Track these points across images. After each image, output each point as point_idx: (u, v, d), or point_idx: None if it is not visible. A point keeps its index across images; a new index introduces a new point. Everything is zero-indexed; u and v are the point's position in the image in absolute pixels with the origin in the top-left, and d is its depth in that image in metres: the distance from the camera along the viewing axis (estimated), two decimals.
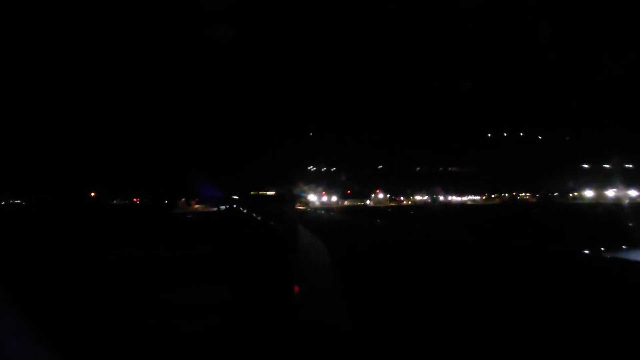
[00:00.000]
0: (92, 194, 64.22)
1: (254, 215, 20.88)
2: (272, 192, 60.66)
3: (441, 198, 76.18)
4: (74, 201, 53.23)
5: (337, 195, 61.59)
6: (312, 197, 57.27)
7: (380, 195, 69.37)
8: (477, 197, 79.57)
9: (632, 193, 68.32)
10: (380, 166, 73.13)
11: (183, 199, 55.82)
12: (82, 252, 13.73)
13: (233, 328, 4.50)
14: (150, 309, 6.35)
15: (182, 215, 43.43)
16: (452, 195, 77.71)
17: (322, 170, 69.03)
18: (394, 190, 72.34)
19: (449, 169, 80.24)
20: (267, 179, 64.52)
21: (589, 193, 71.40)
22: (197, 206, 54.25)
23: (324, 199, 60.43)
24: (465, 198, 79.11)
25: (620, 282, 2.55)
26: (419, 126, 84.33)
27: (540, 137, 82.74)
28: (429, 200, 73.53)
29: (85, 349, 4.52)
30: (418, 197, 75.00)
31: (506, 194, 79.90)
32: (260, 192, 62.81)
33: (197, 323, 5.27)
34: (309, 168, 66.74)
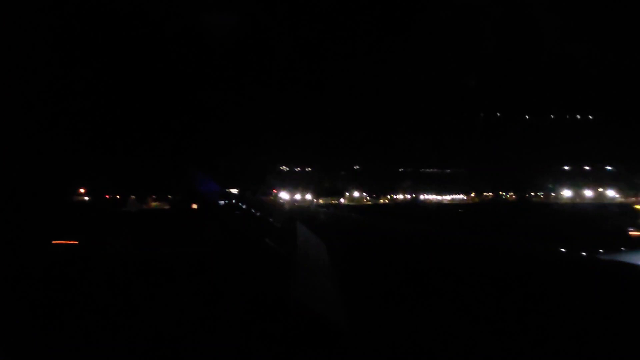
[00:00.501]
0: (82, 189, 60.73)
1: (253, 211, 20.20)
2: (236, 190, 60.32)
3: (423, 197, 76.43)
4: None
5: (311, 194, 61.52)
6: (283, 195, 57.10)
7: (356, 194, 69.34)
8: (459, 197, 79.33)
9: (610, 194, 68.84)
10: (357, 166, 73.35)
11: (132, 196, 53.06)
12: None
13: (230, 324, 4.56)
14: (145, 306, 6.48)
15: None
16: (434, 194, 77.96)
17: (297, 169, 69.44)
18: (373, 189, 72.30)
19: (432, 169, 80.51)
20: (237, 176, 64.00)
21: (567, 193, 71.53)
22: (153, 204, 53.20)
23: (297, 197, 60.55)
24: (448, 197, 79.03)
25: (622, 286, 2.54)
26: (401, 125, 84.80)
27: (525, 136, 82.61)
28: (409, 199, 73.68)
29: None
30: (400, 196, 75.24)
31: (489, 194, 79.73)
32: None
33: (193, 321, 5.32)
34: (281, 167, 66.90)
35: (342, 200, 66.52)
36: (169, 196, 55.72)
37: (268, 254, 6.52)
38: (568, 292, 2.41)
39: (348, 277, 3.41)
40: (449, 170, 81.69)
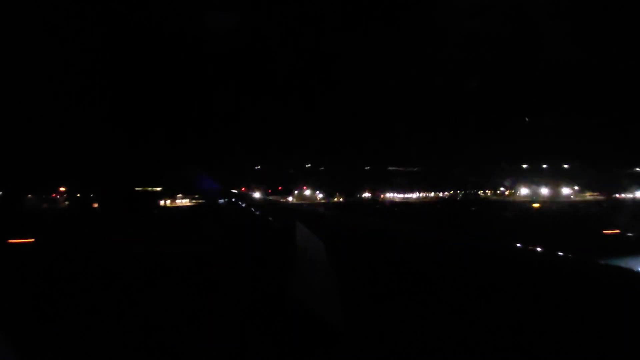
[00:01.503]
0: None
1: (253, 210, 20.78)
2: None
3: (382, 196, 76.08)
4: None
5: (260, 193, 60.45)
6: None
7: (307, 192, 67.99)
8: (416, 195, 78.93)
9: (565, 191, 69.45)
10: (309, 165, 72.61)
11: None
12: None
13: (227, 323, 4.53)
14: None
15: None
16: (391, 193, 77.91)
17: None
18: (327, 188, 71.52)
19: (390, 168, 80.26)
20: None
21: (524, 190, 71.47)
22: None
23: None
24: (405, 196, 78.95)
25: (622, 291, 2.34)
26: (364, 125, 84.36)
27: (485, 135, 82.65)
28: (364, 198, 73.67)
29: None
30: (364, 195, 75.38)
31: (447, 192, 79.74)
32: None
33: (190, 320, 5.45)
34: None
35: (289, 198, 64.98)
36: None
37: (267, 253, 6.54)
38: (568, 296, 2.27)
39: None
40: (413, 169, 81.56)
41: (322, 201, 67.94)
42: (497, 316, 2.15)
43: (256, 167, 68.04)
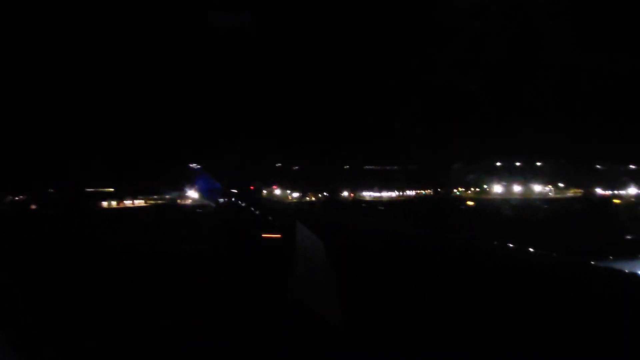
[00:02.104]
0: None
1: (253, 209, 19.79)
2: None
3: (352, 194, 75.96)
4: None
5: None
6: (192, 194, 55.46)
7: (278, 192, 67.97)
8: (394, 194, 79.06)
9: (537, 189, 69.73)
10: (279, 164, 72.50)
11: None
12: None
13: (226, 322, 4.57)
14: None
15: None
16: (369, 191, 77.98)
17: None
18: (300, 187, 71.54)
19: (368, 166, 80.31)
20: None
21: (498, 188, 71.59)
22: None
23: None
24: (384, 194, 79.10)
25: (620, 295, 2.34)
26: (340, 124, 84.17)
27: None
28: (343, 196, 73.24)
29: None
30: (344, 194, 75.24)
31: (424, 191, 79.92)
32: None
33: (189, 319, 5.53)
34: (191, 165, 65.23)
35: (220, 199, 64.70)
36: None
37: (266, 252, 6.49)
38: (569, 300, 2.27)
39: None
40: (389, 168, 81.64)
41: (294, 201, 67.85)
42: (498, 317, 2.14)
43: (192, 166, 67.42)
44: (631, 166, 68.56)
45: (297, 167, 76.61)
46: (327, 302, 2.59)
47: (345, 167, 79.89)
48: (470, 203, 54.87)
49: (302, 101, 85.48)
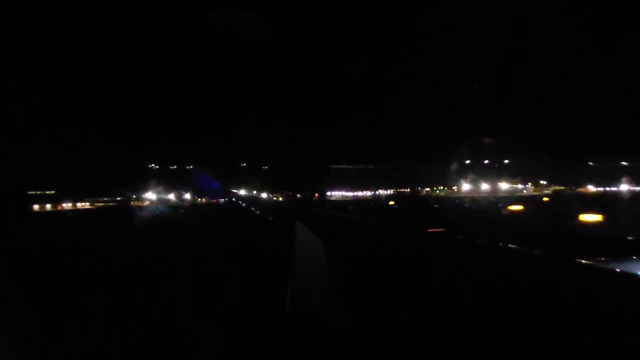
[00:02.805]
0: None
1: (253, 209, 21.29)
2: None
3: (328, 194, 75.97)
4: None
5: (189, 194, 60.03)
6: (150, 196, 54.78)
7: (242, 192, 67.46)
8: (364, 193, 79.46)
9: (504, 186, 70.51)
10: (244, 164, 72.17)
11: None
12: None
13: (227, 321, 4.60)
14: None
15: None
16: (336, 191, 78.09)
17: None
18: (267, 187, 70.90)
19: (337, 166, 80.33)
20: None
21: (466, 187, 72.15)
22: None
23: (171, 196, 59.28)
24: (350, 194, 79.24)
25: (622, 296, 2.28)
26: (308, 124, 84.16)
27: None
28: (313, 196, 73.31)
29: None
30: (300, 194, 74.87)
31: (393, 190, 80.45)
32: None
33: (190, 320, 5.52)
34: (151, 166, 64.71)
35: (221, 199, 64.22)
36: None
37: (267, 252, 6.43)
38: (565, 301, 2.20)
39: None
40: (358, 167, 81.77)
41: (212, 201, 67.32)
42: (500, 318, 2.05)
43: (187, 167, 67.46)
44: (623, 163, 70.07)
45: (266, 167, 76.51)
46: (327, 301, 2.61)
47: (316, 166, 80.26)
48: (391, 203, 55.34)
49: (269, 101, 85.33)
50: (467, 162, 74.85)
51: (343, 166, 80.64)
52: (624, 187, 66.60)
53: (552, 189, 75.04)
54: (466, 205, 46.45)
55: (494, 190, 69.07)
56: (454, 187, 75.00)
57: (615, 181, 69.04)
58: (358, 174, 79.95)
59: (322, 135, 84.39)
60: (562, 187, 74.85)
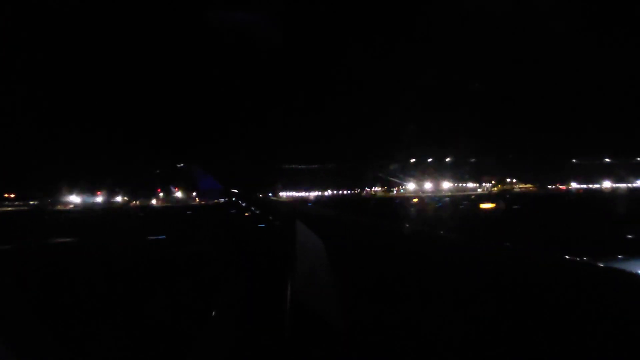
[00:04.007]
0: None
1: (253, 208, 21.30)
2: None
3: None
4: None
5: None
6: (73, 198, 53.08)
7: (179, 194, 66.21)
8: (315, 193, 79.45)
9: (446, 186, 71.39)
10: (181, 164, 70.56)
11: None
12: None
13: (227, 322, 4.55)
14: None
15: None
16: (286, 192, 77.65)
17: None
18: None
19: (288, 165, 79.67)
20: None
21: (411, 186, 72.64)
22: None
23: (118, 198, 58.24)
24: (302, 194, 78.98)
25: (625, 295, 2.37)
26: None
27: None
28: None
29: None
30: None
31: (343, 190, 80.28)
32: None
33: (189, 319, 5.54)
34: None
35: (153, 201, 62.77)
36: None
37: (267, 251, 6.54)
38: (569, 299, 2.33)
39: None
40: (310, 167, 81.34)
41: (202, 202, 66.09)
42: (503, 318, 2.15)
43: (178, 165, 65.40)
44: (608, 160, 71.55)
45: (181, 165, 74.19)
46: (327, 300, 2.62)
47: (265, 166, 79.25)
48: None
49: (219, 100, 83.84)
50: (412, 161, 75.56)
51: (294, 166, 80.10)
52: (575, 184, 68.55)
53: (499, 187, 76.51)
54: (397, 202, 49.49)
55: (437, 189, 69.75)
56: (397, 188, 75.39)
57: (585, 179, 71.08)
58: (308, 174, 79.66)
59: (273, 136, 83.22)
60: (507, 187, 76.27)
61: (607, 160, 71.77)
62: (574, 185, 76.57)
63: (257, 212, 19.18)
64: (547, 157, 78.42)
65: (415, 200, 51.14)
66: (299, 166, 79.22)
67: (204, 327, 4.90)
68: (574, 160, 75.75)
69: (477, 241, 5.10)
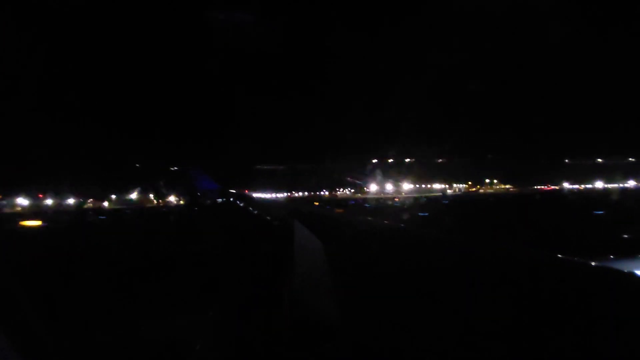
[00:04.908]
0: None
1: (251, 209, 21.25)
2: None
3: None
4: None
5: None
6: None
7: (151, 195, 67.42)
8: (283, 195, 79.52)
9: (406, 186, 71.27)
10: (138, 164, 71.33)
11: None
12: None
13: (227, 322, 4.61)
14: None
15: None
16: (257, 193, 78.26)
17: None
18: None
19: (257, 166, 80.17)
20: None
21: (373, 188, 72.95)
22: None
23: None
24: (273, 195, 79.40)
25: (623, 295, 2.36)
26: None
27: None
28: None
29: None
30: None
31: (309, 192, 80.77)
32: None
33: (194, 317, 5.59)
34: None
35: (105, 203, 63.79)
36: None
37: (265, 251, 6.66)
38: (567, 299, 2.29)
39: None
40: (279, 168, 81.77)
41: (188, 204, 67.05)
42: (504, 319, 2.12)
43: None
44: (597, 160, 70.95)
45: (175, 168, 75.48)
46: (326, 300, 2.62)
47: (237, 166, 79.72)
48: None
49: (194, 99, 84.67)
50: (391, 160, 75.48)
51: (266, 167, 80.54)
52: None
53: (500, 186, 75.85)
54: (366, 205, 51.63)
55: (398, 191, 69.78)
56: (365, 189, 75.49)
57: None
58: (280, 175, 79.94)
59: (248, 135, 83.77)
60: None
61: (584, 161, 71.04)
62: (566, 185, 75.70)
63: (255, 212, 19.01)
64: (529, 158, 77.62)
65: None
66: (266, 167, 79.95)
67: (203, 328, 5.01)
68: (557, 161, 75.09)
69: (471, 240, 5.07)
